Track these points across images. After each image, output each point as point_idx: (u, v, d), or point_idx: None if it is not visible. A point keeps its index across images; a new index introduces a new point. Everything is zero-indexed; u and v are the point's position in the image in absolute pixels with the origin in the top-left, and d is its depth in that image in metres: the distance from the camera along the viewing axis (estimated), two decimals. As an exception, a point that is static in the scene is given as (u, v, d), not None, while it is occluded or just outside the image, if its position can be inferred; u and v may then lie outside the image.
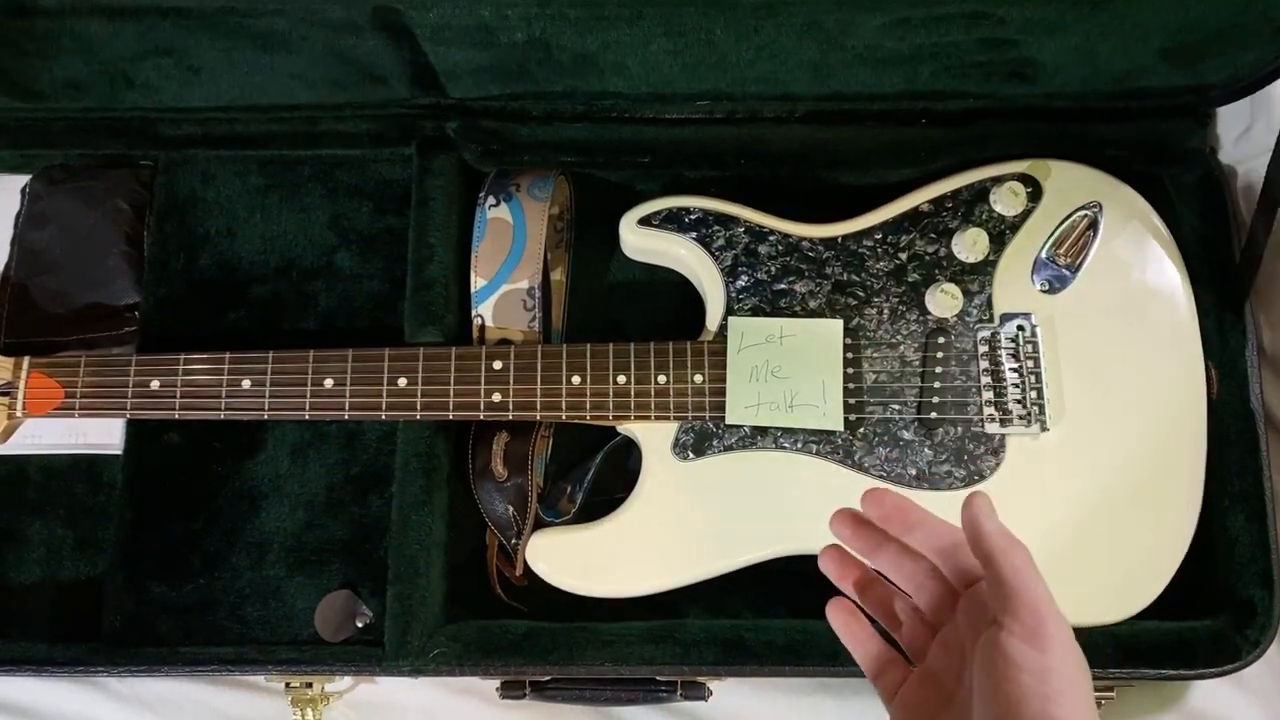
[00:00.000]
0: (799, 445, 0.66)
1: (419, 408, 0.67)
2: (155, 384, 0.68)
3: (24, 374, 0.68)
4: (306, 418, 0.68)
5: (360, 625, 0.71)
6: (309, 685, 0.70)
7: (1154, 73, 0.68)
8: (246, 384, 0.68)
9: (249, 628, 0.72)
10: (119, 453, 0.75)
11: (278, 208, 0.79)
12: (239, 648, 0.70)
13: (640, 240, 0.72)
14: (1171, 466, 0.67)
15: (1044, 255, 0.70)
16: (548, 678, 0.67)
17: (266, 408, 0.68)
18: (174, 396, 0.68)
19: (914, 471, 0.67)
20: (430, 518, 0.69)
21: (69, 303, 0.78)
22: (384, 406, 0.67)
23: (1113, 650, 0.64)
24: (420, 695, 0.74)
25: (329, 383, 0.67)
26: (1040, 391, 0.67)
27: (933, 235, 0.70)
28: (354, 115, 0.76)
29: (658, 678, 0.67)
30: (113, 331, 0.78)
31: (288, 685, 0.71)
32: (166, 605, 0.72)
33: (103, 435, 0.77)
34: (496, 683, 0.69)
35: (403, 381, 0.67)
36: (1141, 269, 0.70)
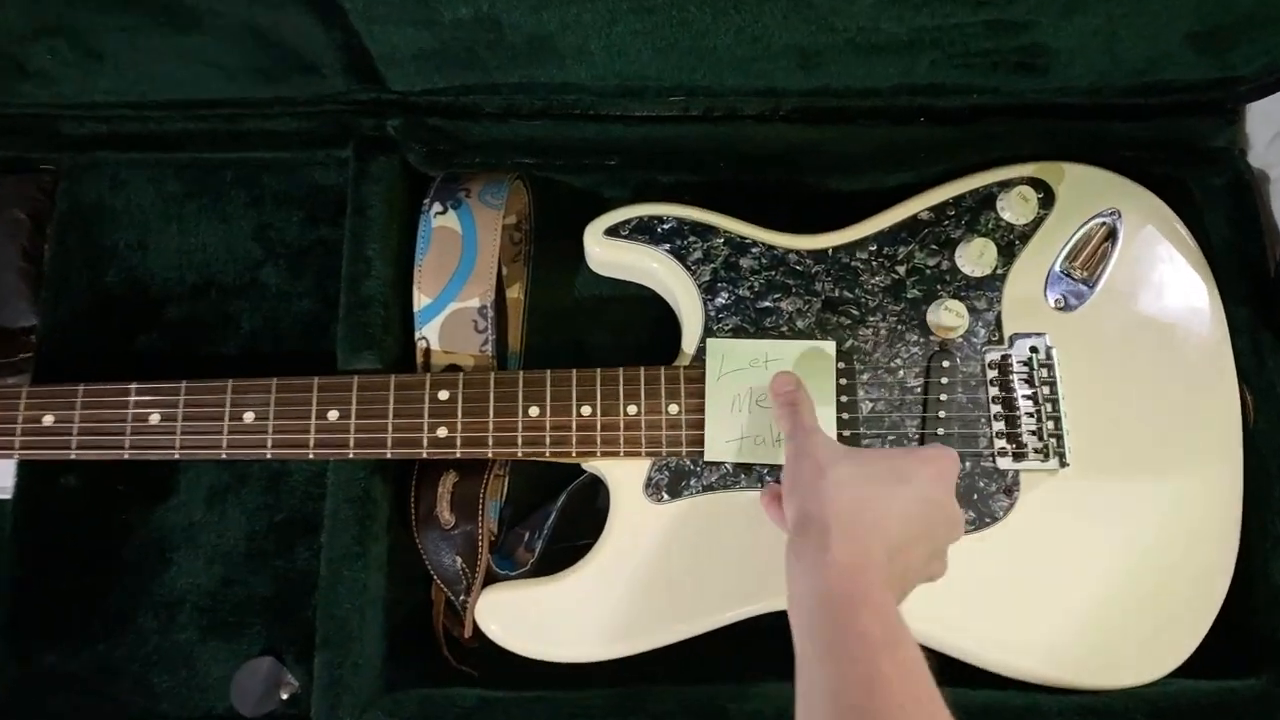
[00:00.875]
0: None
1: (352, 445, 0.61)
2: (49, 419, 0.62)
3: (-105, 408, 0.61)
4: (224, 457, 0.61)
5: (285, 696, 0.64)
6: (224, 767, 0.62)
7: (1178, 62, 0.63)
8: (155, 418, 0.62)
9: (155, 701, 0.65)
10: (8, 497, 0.67)
11: (196, 217, 0.73)
12: (143, 724, 0.61)
13: (607, 253, 0.65)
14: (1205, 505, 0.61)
15: (1058, 268, 0.64)
16: None
17: (178, 445, 0.61)
18: (70, 434, 0.62)
19: (918, 514, 0.59)
20: (365, 572, 0.61)
21: None
22: (312, 444, 0.61)
23: (1144, 717, 0.58)
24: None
25: (249, 416, 0.61)
26: (1058, 422, 0.61)
27: (934, 246, 0.64)
28: (283, 112, 0.69)
29: None
30: (7, 359, 0.71)
31: (200, 767, 0.62)
32: (58, 676, 0.65)
33: (-6, 477, 0.69)
34: None
35: (334, 414, 0.61)
36: (1166, 282, 0.64)
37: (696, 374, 0.61)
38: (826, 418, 0.60)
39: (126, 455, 0.61)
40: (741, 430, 0.60)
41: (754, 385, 0.61)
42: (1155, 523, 0.60)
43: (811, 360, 0.62)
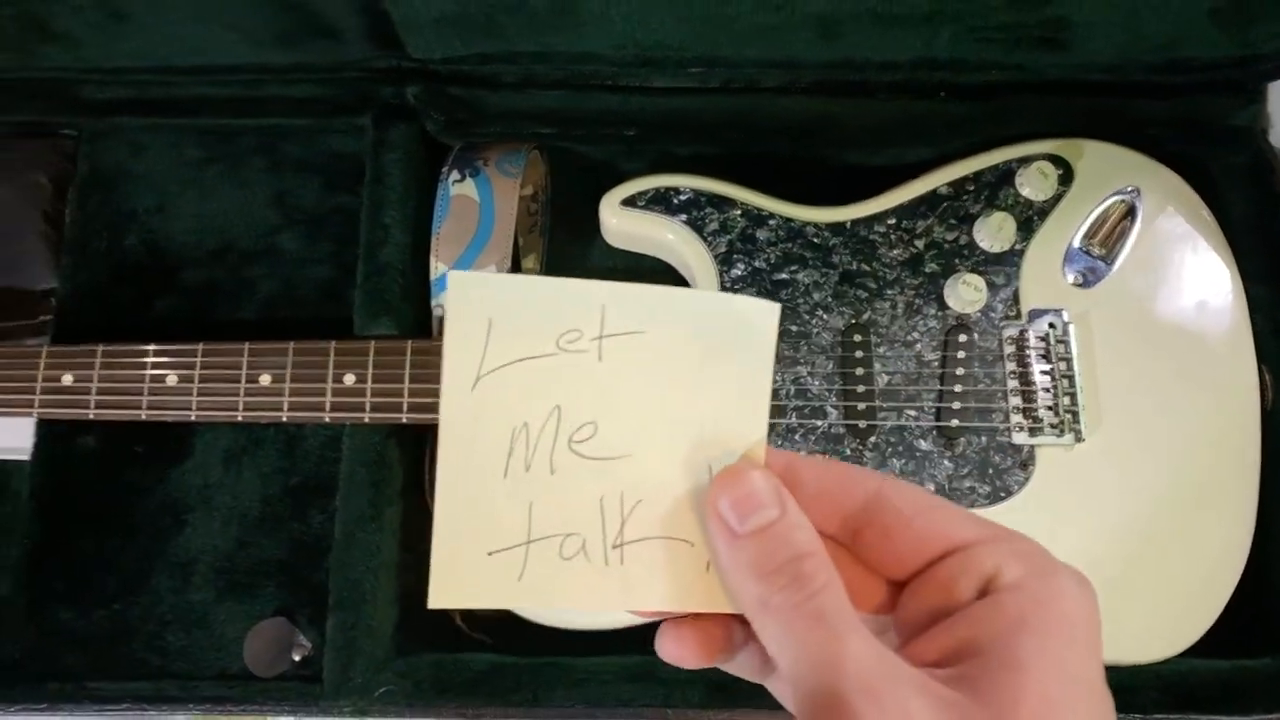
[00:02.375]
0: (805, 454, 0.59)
1: (368, 409, 0.60)
2: (68, 378, 0.61)
3: (-85, 366, 0.61)
4: (240, 419, 0.61)
5: (297, 658, 0.63)
6: (237, 727, 0.62)
7: (1200, 39, 0.62)
8: (172, 379, 0.61)
9: (169, 660, 0.64)
10: (27, 459, 0.67)
11: (215, 183, 0.72)
12: (157, 683, 0.62)
13: (624, 223, 0.65)
14: (1221, 484, 0.61)
15: (1076, 244, 0.63)
16: None
17: (194, 407, 0.60)
18: (89, 394, 0.61)
19: (932, 486, 0.60)
20: (379, 535, 0.61)
21: None
22: (328, 407, 0.60)
23: (1157, 693, 0.58)
24: (367, 738, 0.65)
25: (266, 379, 0.60)
26: (1074, 397, 0.60)
27: (953, 221, 0.63)
28: (303, 79, 0.68)
29: None
30: (26, 320, 0.71)
31: (212, 727, 0.62)
32: (74, 634, 0.64)
33: (14, 437, 0.69)
34: None
35: (350, 379, 0.60)
36: (1184, 260, 0.64)
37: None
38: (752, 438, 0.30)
39: (144, 416, 0.60)
40: (522, 524, 0.29)
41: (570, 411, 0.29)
42: (1170, 500, 0.60)
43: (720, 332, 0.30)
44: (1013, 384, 0.61)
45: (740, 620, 0.28)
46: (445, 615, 0.64)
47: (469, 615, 0.64)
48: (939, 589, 0.27)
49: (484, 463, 0.28)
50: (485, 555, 0.28)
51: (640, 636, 0.60)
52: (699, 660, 0.29)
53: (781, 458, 0.29)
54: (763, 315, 0.29)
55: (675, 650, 0.29)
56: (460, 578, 0.28)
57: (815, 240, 0.63)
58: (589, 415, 0.29)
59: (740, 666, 0.30)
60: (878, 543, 0.28)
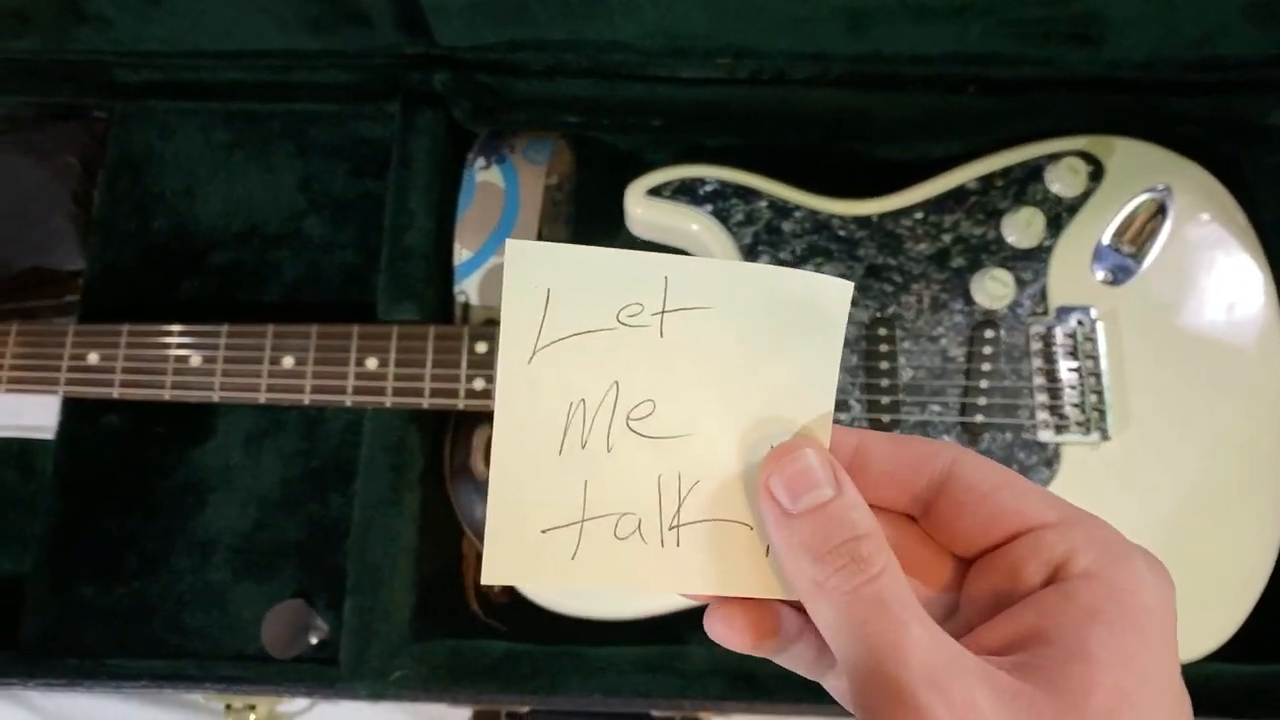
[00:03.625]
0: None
1: (390, 393, 0.60)
2: (94, 357, 0.62)
3: (-57, 342, 0.62)
4: (262, 401, 0.61)
5: (313, 640, 0.63)
6: (252, 707, 0.62)
7: (1234, 36, 0.62)
8: (196, 360, 0.61)
9: (187, 639, 0.64)
10: (51, 437, 0.68)
11: (242, 167, 0.72)
12: (174, 661, 0.62)
13: (649, 214, 0.64)
14: (1249, 485, 0.60)
15: (1106, 242, 0.62)
16: (526, 709, 0.60)
17: (218, 388, 0.61)
18: (114, 373, 0.62)
19: (956, 482, 0.58)
20: (398, 520, 0.61)
21: (7, 267, 0.72)
22: (350, 390, 0.60)
23: None
24: (381, 723, 0.65)
25: (289, 361, 0.61)
26: (1101, 395, 0.60)
27: (981, 216, 0.63)
28: (331, 65, 0.68)
29: (653, 712, 0.60)
30: (54, 300, 0.72)
31: (228, 707, 0.63)
32: (95, 610, 0.65)
33: (39, 416, 0.69)
34: (468, 712, 0.62)
35: (372, 363, 0.60)
36: (1215, 260, 0.63)
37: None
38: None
39: (167, 396, 0.61)
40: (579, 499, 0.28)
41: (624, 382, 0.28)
42: (1197, 502, 0.59)
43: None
44: (1039, 381, 0.60)
45: (793, 608, 0.28)
46: (462, 602, 0.64)
47: (485, 602, 0.64)
48: (1007, 571, 0.26)
49: (539, 438, 0.27)
50: (539, 533, 0.27)
51: (659, 627, 0.59)
52: (745, 644, 0.28)
53: (853, 436, 0.28)
54: (836, 292, 0.28)
55: (723, 631, 0.28)
56: (514, 555, 0.27)
57: (841, 233, 0.63)
58: (648, 392, 0.28)
59: (795, 660, 0.29)
60: (948, 519, 0.27)
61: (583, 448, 0.27)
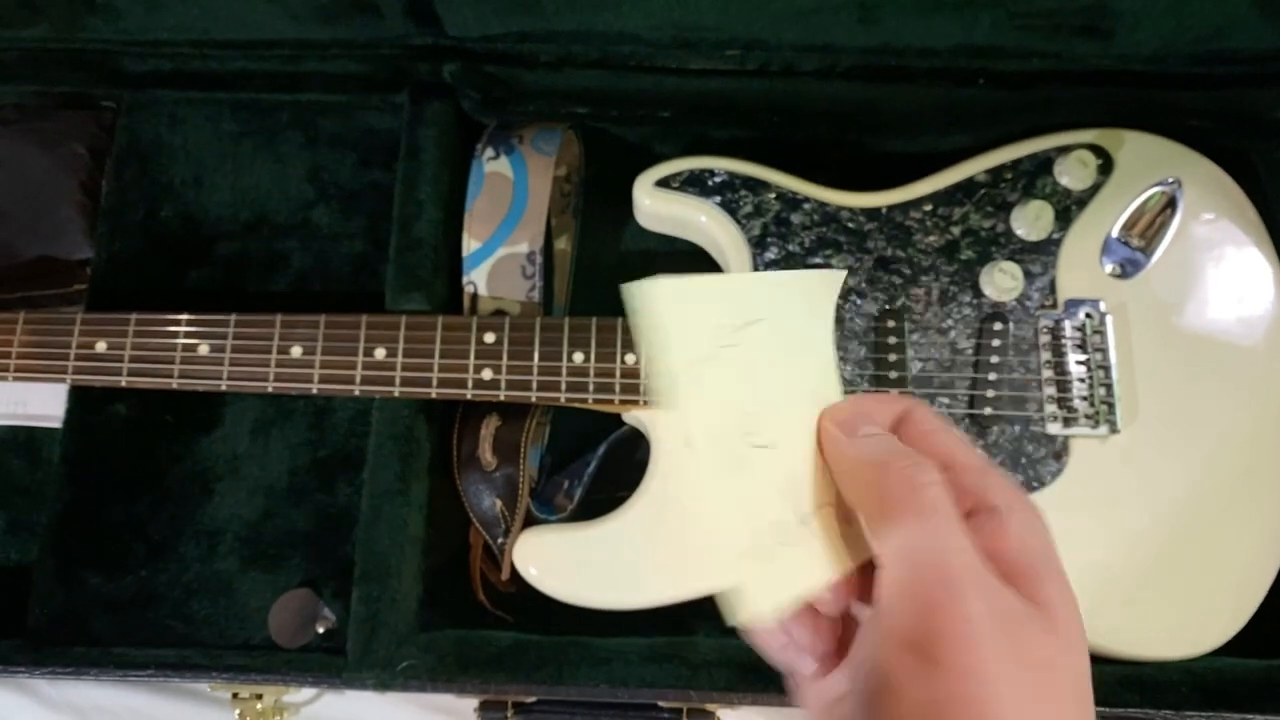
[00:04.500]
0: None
1: (398, 383, 0.60)
2: (101, 346, 0.62)
3: (-50, 330, 0.61)
4: (270, 390, 0.61)
5: (320, 630, 0.63)
6: (259, 696, 0.62)
7: (1245, 29, 0.62)
8: (204, 349, 0.61)
9: (194, 628, 0.64)
10: (59, 426, 0.68)
11: (251, 157, 0.72)
12: (181, 650, 0.62)
13: (657, 205, 0.64)
14: (1259, 478, 0.60)
15: (1115, 235, 0.62)
16: (533, 699, 0.60)
17: (225, 377, 0.61)
18: (121, 361, 0.61)
19: (964, 475, 0.58)
20: (406, 510, 0.61)
21: (15, 256, 0.72)
22: (358, 380, 0.60)
23: (1189, 689, 0.57)
24: (387, 713, 0.66)
25: (297, 350, 0.61)
26: (1110, 389, 0.60)
27: (989, 209, 0.63)
28: (340, 55, 0.69)
29: (660, 703, 0.60)
30: (62, 289, 0.72)
31: (235, 696, 0.63)
32: (102, 599, 0.65)
33: (46, 405, 0.70)
34: (474, 702, 0.62)
35: (381, 353, 0.60)
36: (1225, 254, 0.63)
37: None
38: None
39: (175, 385, 0.60)
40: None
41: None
42: (1206, 495, 0.59)
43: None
44: (1047, 374, 0.60)
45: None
46: (469, 592, 0.64)
47: (491, 591, 0.64)
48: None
49: (695, 469, 0.31)
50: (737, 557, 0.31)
51: (666, 618, 0.59)
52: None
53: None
54: (822, 282, 0.33)
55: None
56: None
57: (850, 225, 0.63)
58: (751, 406, 0.31)
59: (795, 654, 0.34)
60: None
61: (724, 470, 0.31)
